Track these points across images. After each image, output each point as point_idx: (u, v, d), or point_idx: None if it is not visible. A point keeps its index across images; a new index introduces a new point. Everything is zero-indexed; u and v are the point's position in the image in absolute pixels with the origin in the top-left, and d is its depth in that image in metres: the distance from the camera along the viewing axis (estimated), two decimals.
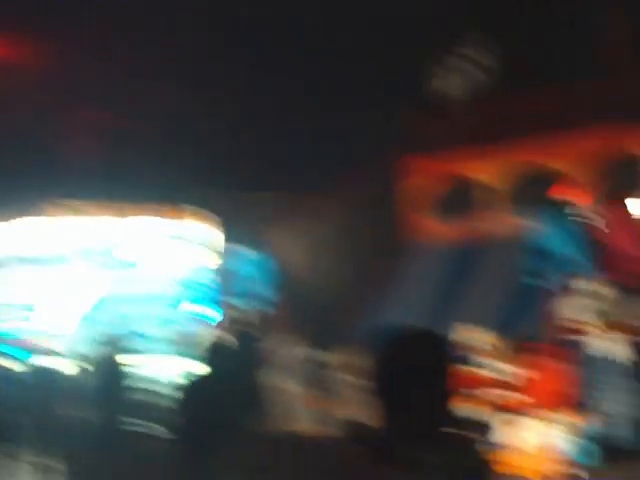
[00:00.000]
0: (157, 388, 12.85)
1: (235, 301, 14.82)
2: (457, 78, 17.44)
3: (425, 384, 3.04)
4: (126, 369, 12.40)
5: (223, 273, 15.32)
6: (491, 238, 16.13)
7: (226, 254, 15.46)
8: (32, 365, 13.40)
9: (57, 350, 13.69)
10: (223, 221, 15.67)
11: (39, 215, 14.95)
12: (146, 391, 12.68)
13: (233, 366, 4.83)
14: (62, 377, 12.84)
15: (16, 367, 13.37)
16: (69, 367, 13.08)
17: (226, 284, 15.13)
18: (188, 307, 15.17)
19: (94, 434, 10.32)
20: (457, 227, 16.78)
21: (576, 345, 12.38)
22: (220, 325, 14.36)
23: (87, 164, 17.16)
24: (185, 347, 13.78)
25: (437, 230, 16.89)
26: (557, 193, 14.20)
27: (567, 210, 13.63)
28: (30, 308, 14.75)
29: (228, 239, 15.60)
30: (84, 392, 11.90)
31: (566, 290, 13.41)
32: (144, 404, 11.85)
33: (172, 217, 15.37)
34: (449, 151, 16.96)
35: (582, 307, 13.08)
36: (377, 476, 2.97)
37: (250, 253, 15.34)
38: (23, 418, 11.61)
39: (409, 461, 3.03)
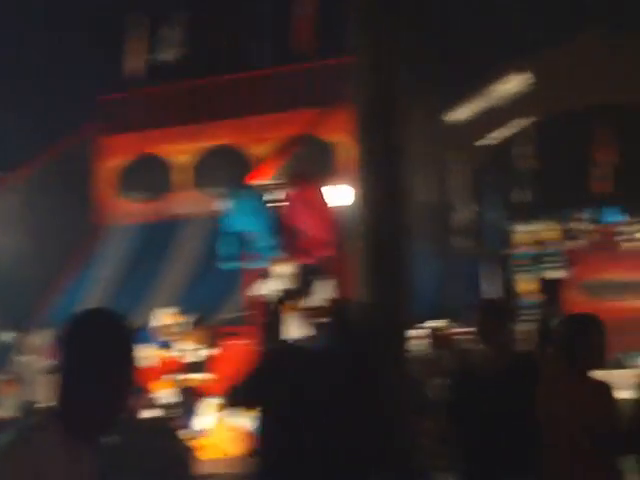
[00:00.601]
0: None
1: None
2: (154, 58, 17.32)
3: (106, 365, 3.03)
4: None
5: None
6: (184, 219, 16.20)
7: None
8: None
9: None
10: None
11: None
12: None
13: None
14: None
15: None
16: None
17: None
18: None
19: None
20: (150, 207, 16.72)
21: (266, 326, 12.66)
22: None
23: None
24: None
25: (129, 210, 16.75)
26: (250, 176, 14.46)
27: (258, 193, 13.91)
28: None
29: None
30: None
31: (257, 272, 13.71)
32: None
33: None
34: (143, 131, 16.85)
35: (272, 288, 13.41)
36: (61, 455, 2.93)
37: None
38: None
39: (91, 442, 3.04)
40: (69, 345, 3.03)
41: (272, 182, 14.43)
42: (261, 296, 13.62)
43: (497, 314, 5.80)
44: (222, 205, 13.88)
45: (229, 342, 12.72)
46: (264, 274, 13.67)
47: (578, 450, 5.06)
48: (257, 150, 15.88)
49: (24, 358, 13.58)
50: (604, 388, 5.27)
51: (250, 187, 14.10)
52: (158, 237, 16.14)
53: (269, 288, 13.54)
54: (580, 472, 5.08)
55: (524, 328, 11.41)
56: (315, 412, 5.56)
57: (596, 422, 5.05)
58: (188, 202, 16.25)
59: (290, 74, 16.20)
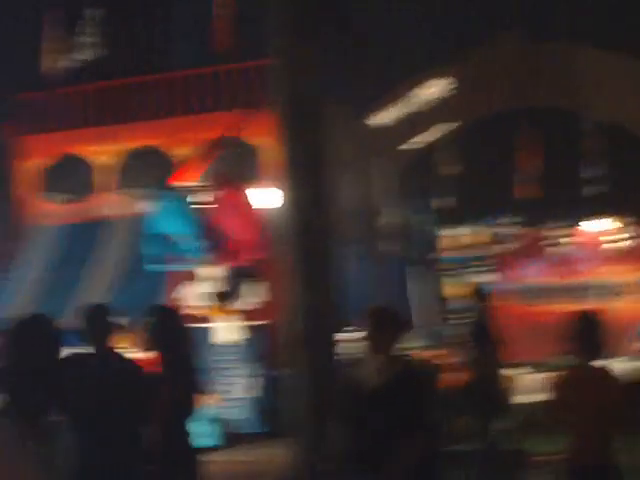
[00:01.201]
0: None
1: None
2: (75, 58, 17.07)
3: (39, 365, 3.37)
4: None
5: None
6: (108, 220, 15.99)
7: None
8: None
9: None
10: None
11: None
12: None
13: None
14: None
15: None
16: None
17: None
18: None
19: None
20: (72, 208, 16.48)
21: (197, 330, 12.59)
22: None
23: None
24: None
25: (53, 211, 16.47)
26: (174, 178, 14.36)
27: (184, 195, 13.82)
28: None
29: None
30: None
31: (184, 275, 13.62)
32: None
33: None
34: (65, 131, 16.62)
35: (200, 292, 13.34)
36: None
37: None
38: None
39: (33, 428, 3.35)
40: (9, 349, 3.43)
41: (197, 184, 14.34)
42: (186, 299, 13.53)
43: (386, 323, 5.81)
44: (146, 207, 13.75)
45: None
46: (189, 277, 13.58)
47: (592, 427, 5.60)
48: (180, 152, 15.78)
49: None
50: (610, 375, 5.82)
51: (174, 189, 14.00)
52: (81, 239, 15.91)
53: (195, 291, 13.46)
54: (596, 443, 5.63)
55: (453, 331, 11.56)
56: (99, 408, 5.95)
57: (608, 404, 5.57)
58: (111, 203, 16.05)
59: (212, 75, 16.10)
